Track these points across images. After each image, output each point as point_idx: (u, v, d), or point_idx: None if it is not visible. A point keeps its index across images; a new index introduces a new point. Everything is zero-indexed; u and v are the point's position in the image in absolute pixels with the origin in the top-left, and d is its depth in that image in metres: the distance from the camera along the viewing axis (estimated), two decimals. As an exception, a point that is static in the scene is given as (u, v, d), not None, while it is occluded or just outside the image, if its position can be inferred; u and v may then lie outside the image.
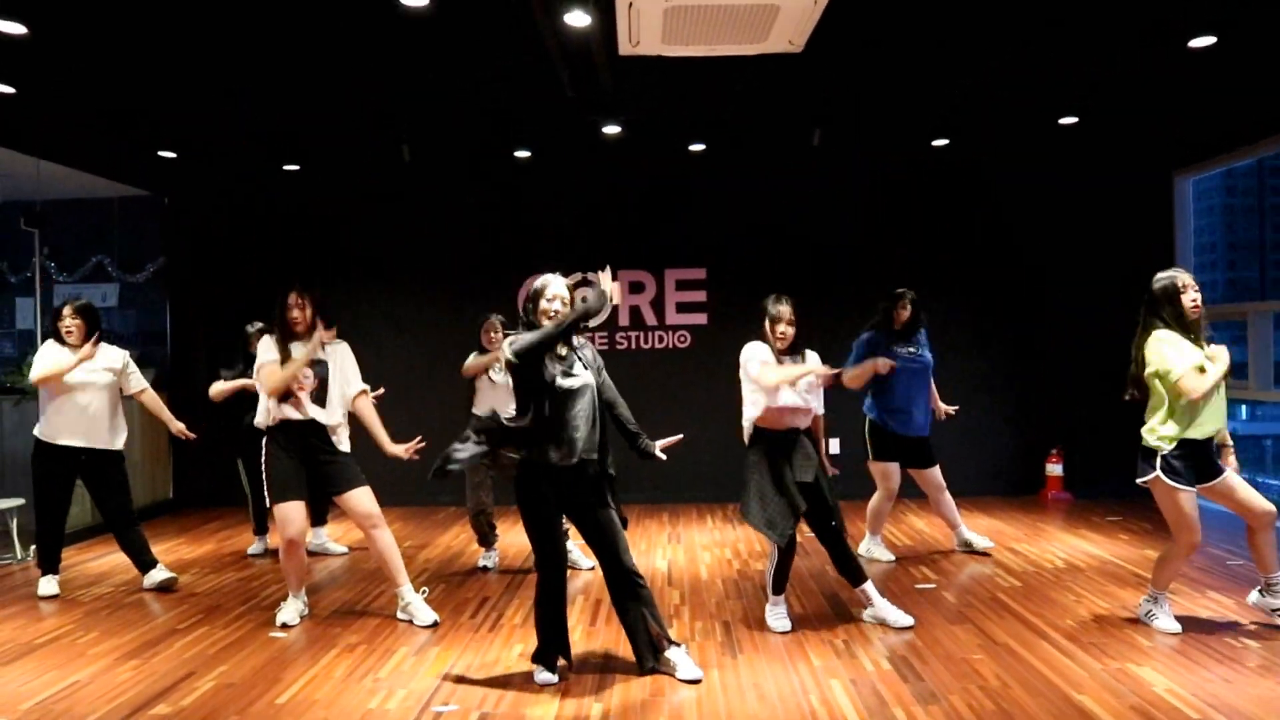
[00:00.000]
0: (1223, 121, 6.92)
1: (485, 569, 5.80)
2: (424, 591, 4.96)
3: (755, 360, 4.30)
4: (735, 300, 8.13)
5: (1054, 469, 7.89)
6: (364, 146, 7.45)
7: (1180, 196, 8.02)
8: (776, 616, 4.49)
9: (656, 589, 5.12)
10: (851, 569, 4.49)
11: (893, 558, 5.78)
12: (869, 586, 4.52)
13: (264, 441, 4.63)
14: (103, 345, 5.40)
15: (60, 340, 5.32)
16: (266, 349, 4.56)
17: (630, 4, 4.37)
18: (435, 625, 4.62)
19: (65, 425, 5.27)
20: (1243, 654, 3.96)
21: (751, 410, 4.36)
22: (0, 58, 4.96)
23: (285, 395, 4.52)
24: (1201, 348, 4.16)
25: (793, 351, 4.40)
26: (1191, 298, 4.16)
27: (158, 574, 5.45)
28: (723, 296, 8.15)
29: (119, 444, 5.43)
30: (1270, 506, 4.19)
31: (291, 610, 4.73)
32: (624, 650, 4.20)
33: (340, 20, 4.72)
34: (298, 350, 4.53)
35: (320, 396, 4.59)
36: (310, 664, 4.08)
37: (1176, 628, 4.28)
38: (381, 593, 5.27)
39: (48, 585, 5.37)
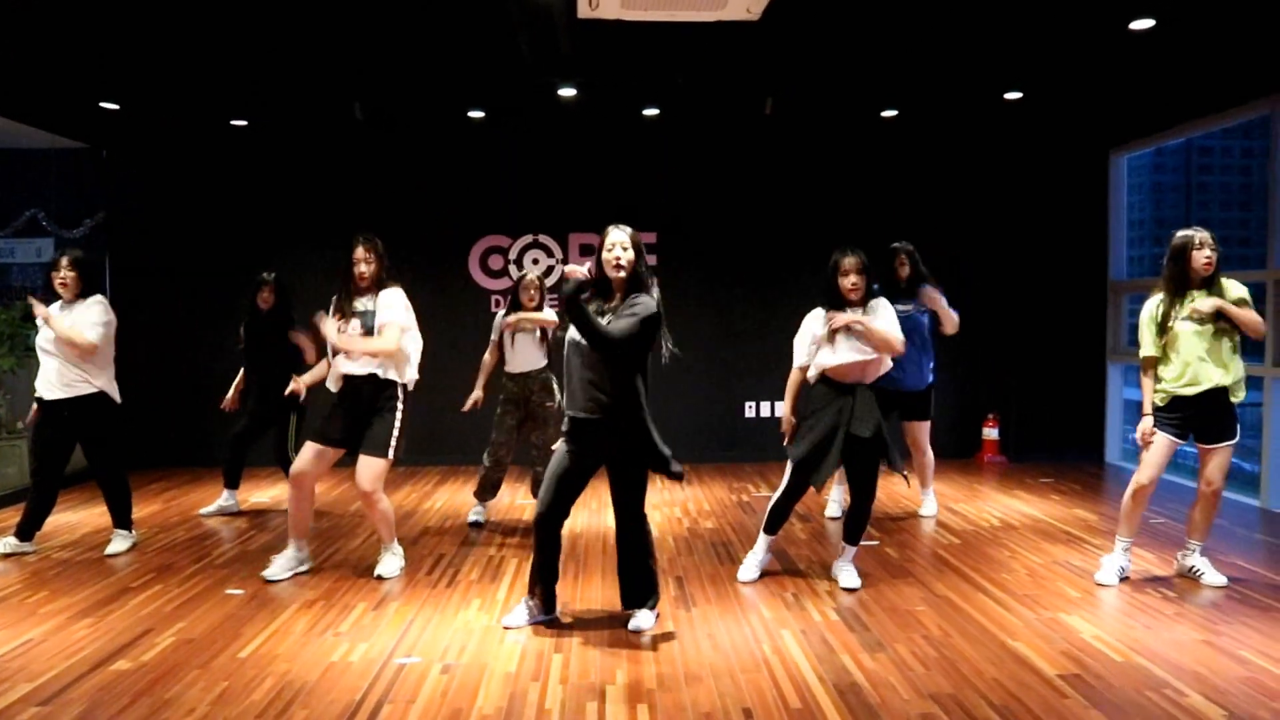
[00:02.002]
0: (1160, 100, 7.18)
1: (477, 525, 5.90)
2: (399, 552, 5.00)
3: (802, 333, 4.57)
4: (685, 264, 8.23)
5: (990, 433, 8.20)
6: (314, 103, 7.33)
7: (1115, 174, 8.31)
8: (747, 564, 4.69)
9: (608, 548, 5.22)
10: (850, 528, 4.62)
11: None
12: (849, 549, 4.63)
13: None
14: (88, 302, 5.08)
15: (52, 293, 5.07)
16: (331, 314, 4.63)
17: (592, -34, 4.39)
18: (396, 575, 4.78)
19: (42, 379, 5.11)
20: (1161, 604, 4.23)
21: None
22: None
23: (336, 350, 4.56)
24: (1216, 298, 4.32)
25: (866, 301, 4.42)
26: (1206, 256, 4.30)
27: (119, 542, 5.35)
28: (673, 260, 8.23)
29: (97, 387, 5.11)
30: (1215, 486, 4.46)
31: (277, 562, 4.73)
32: (583, 604, 4.32)
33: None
34: (361, 305, 4.57)
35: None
36: (269, 620, 4.11)
37: (1105, 579, 4.54)
38: (336, 550, 5.29)
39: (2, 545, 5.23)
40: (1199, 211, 61.08)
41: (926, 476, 6.08)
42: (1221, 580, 4.47)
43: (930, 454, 6.01)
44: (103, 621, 4.10)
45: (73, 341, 4.97)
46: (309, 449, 4.61)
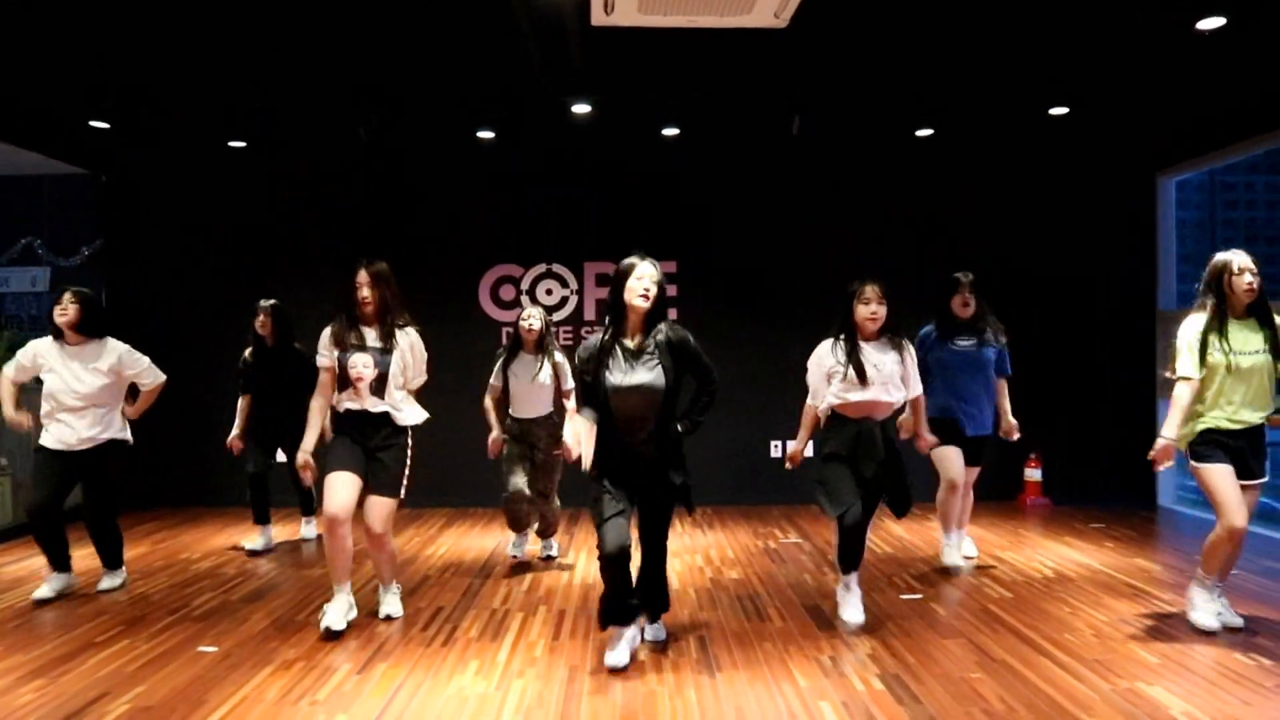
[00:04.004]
0: (1211, 118, 6.74)
1: (514, 558, 5.69)
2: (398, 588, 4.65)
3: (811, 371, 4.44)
4: (707, 293, 7.81)
5: (1033, 474, 7.66)
6: (316, 124, 7.01)
7: (1164, 197, 7.85)
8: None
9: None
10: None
11: (960, 564, 5.42)
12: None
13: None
14: (104, 341, 4.95)
15: (54, 327, 4.85)
16: (324, 345, 4.26)
17: (607, -36, 4.04)
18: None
19: (56, 435, 4.86)
20: (1256, 672, 3.69)
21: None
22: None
23: (344, 384, 4.22)
24: (1262, 330, 4.02)
25: (885, 332, 4.31)
26: (1247, 281, 3.98)
27: (111, 578, 5.13)
28: (694, 289, 7.82)
29: (115, 435, 4.99)
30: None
31: (335, 611, 4.26)
32: (591, 666, 3.83)
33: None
34: (371, 339, 4.24)
35: (379, 389, 4.24)
36: (240, 683, 3.65)
37: (1208, 624, 4.13)
38: (325, 600, 4.83)
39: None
40: (1223, 248, 60.16)
41: (964, 518, 5.54)
42: (1239, 622, 4.17)
43: (969, 496, 5.50)
44: (54, 684, 3.65)
45: (155, 393, 5.14)
46: (342, 482, 4.18)
